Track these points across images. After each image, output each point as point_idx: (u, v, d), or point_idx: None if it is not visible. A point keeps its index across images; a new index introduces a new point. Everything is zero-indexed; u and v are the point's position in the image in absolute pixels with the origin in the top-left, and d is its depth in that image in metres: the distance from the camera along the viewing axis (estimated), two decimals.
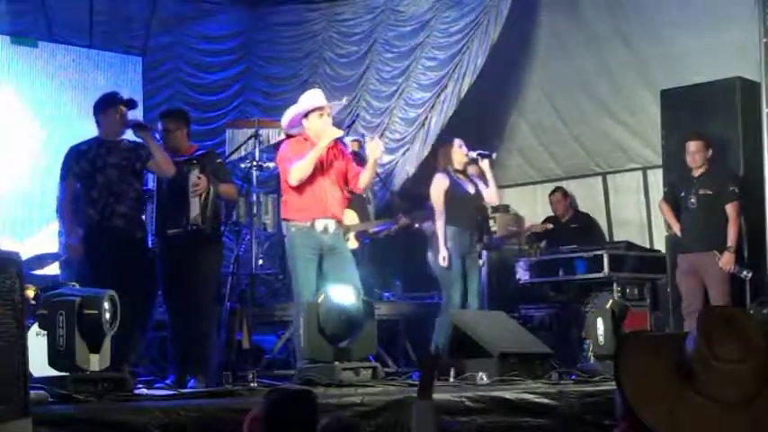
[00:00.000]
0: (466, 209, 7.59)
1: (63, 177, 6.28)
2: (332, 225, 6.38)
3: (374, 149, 6.53)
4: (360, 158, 7.20)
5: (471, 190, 7.65)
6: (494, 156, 7.80)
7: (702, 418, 1.66)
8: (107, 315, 4.60)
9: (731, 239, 7.45)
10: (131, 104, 6.46)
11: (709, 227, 7.55)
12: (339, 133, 6.46)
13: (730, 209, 7.51)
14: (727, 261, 7.42)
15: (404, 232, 8.25)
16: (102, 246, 6.09)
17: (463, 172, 7.69)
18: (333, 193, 6.42)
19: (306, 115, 6.41)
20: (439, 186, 7.56)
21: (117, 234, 6.11)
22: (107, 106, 6.31)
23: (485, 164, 7.62)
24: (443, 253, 7.38)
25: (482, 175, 7.79)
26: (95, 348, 4.60)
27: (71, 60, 9.45)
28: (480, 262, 8.79)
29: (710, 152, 7.64)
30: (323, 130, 6.34)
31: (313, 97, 6.53)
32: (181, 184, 6.40)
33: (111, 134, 6.28)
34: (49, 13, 9.35)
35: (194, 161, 6.50)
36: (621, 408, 1.74)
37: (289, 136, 6.91)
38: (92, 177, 6.16)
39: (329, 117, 6.45)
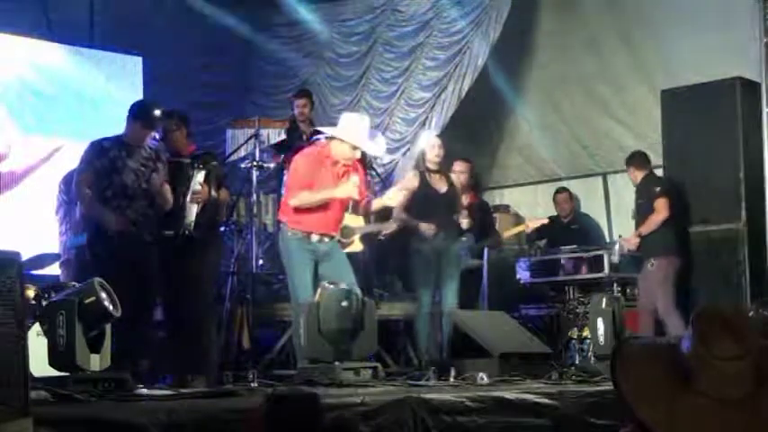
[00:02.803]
0: (437, 208, 7.58)
1: (82, 171, 6.24)
2: (327, 237, 6.46)
3: (392, 199, 6.82)
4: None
5: (443, 189, 7.64)
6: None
7: (701, 417, 1.66)
8: (105, 298, 4.61)
9: (643, 226, 7.91)
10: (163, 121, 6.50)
11: (644, 235, 8.00)
12: (354, 193, 6.43)
13: (657, 206, 7.89)
14: (628, 241, 8.06)
15: (403, 232, 8.24)
16: (108, 246, 6.09)
17: (439, 171, 7.68)
18: (337, 212, 6.52)
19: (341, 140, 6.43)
20: (406, 183, 7.61)
21: (123, 235, 6.10)
22: (148, 122, 6.28)
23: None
24: (424, 226, 7.38)
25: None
26: (100, 344, 4.60)
27: (71, 59, 9.44)
28: (481, 261, 8.81)
29: (637, 162, 8.16)
30: (347, 158, 6.37)
31: (356, 131, 6.44)
32: (182, 187, 6.41)
33: (136, 141, 6.27)
34: (50, 11, 9.35)
35: (200, 166, 6.50)
36: (627, 409, 1.74)
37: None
38: (108, 176, 6.14)
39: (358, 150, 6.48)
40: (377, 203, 6.81)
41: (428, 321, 7.46)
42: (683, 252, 7.99)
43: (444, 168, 7.73)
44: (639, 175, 8.15)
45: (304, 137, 8.33)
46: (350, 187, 6.35)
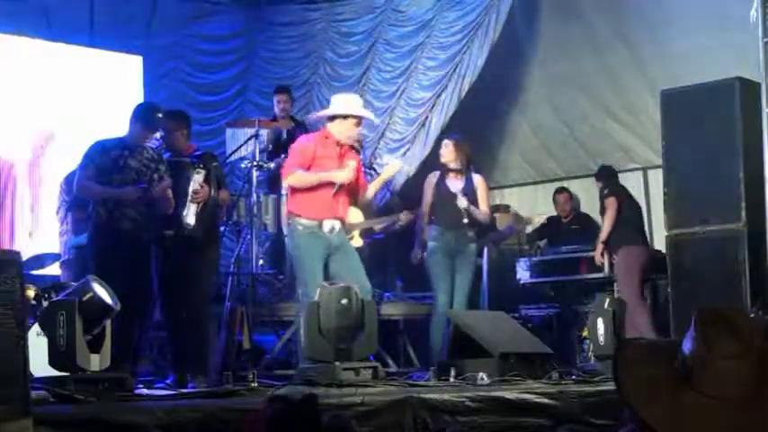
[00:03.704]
0: (449, 208, 7.57)
1: (83, 167, 6.23)
2: (338, 225, 6.52)
3: (391, 170, 6.97)
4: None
5: (456, 189, 7.63)
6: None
7: (703, 417, 1.66)
8: (103, 293, 4.61)
9: (602, 233, 8.42)
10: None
11: (604, 240, 8.49)
12: (350, 176, 6.51)
13: (606, 204, 8.40)
14: (596, 253, 8.29)
15: (404, 231, 8.25)
16: (108, 246, 6.09)
17: (458, 171, 7.67)
18: (342, 196, 6.56)
19: (343, 118, 6.51)
20: (427, 183, 7.79)
21: (123, 235, 6.10)
22: (151, 124, 6.31)
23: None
24: (417, 249, 7.75)
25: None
26: (100, 344, 4.60)
27: (71, 59, 9.44)
28: (480, 260, 8.80)
29: (600, 176, 8.90)
30: (348, 136, 6.53)
31: (353, 105, 6.67)
32: (183, 187, 6.41)
33: (138, 142, 6.28)
34: (50, 11, 9.35)
35: (200, 166, 6.50)
36: (627, 409, 1.74)
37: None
38: (109, 174, 6.14)
39: (360, 127, 6.67)
40: (374, 184, 6.94)
41: (444, 322, 7.43)
42: (646, 245, 8.42)
43: (465, 168, 7.72)
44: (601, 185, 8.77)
45: (299, 134, 8.33)
46: (347, 172, 6.46)
